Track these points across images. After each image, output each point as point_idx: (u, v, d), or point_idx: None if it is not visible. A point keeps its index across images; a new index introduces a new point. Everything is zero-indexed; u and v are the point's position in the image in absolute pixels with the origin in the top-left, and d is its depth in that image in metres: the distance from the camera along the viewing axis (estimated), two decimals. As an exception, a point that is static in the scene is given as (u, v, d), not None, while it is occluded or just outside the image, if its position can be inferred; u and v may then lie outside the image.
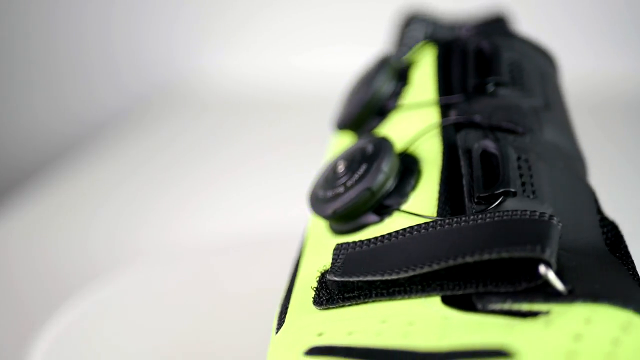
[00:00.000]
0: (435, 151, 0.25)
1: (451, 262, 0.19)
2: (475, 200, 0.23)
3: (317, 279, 0.22)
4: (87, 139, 0.73)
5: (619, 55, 0.70)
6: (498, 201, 0.22)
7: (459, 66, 0.28)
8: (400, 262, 0.20)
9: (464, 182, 0.23)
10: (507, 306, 0.19)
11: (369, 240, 0.22)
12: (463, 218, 0.21)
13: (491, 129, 0.25)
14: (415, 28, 0.36)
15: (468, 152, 0.24)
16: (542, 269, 0.19)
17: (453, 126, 0.26)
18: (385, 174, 0.24)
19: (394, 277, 0.20)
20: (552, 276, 0.19)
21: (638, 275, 0.21)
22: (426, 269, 0.20)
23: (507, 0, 0.46)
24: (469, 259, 0.19)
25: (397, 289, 0.20)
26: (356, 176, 0.25)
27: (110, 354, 0.33)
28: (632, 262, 0.22)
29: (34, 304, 0.40)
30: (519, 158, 0.24)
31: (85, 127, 0.79)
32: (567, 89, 0.31)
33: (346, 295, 0.21)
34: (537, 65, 0.29)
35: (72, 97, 0.83)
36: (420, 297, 0.20)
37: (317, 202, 0.26)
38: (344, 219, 0.25)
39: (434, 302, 0.20)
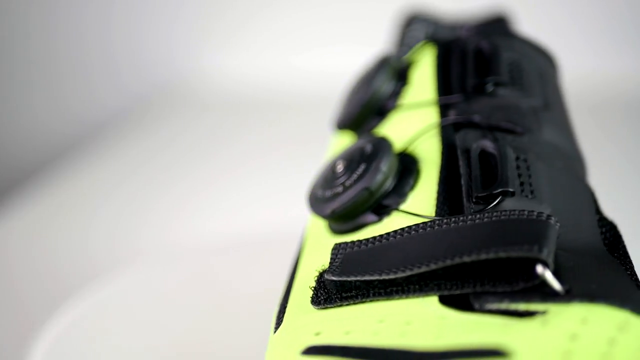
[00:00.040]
0: (434, 151, 0.25)
1: (448, 262, 0.19)
2: (474, 200, 0.23)
3: (316, 278, 0.22)
4: (87, 139, 0.73)
5: (619, 55, 0.70)
6: (496, 201, 0.22)
7: (458, 66, 0.28)
8: (398, 261, 0.20)
9: (463, 182, 0.23)
10: (504, 306, 0.19)
11: (367, 240, 0.22)
12: (461, 218, 0.21)
13: (490, 129, 0.25)
14: (416, 28, 0.36)
15: (467, 152, 0.24)
16: (540, 268, 0.19)
17: (452, 126, 0.26)
18: (383, 173, 0.24)
19: (392, 276, 0.20)
20: (549, 276, 0.19)
21: (636, 275, 0.21)
22: (424, 269, 0.20)
23: (508, 0, 0.46)
24: (466, 259, 0.19)
25: (394, 288, 0.20)
26: (355, 176, 0.25)
27: (111, 354, 0.33)
28: (630, 262, 0.22)
29: (34, 304, 0.40)
30: (517, 158, 0.24)
31: (85, 127, 0.79)
32: (567, 89, 0.31)
33: (344, 294, 0.21)
34: (537, 65, 0.29)
35: (72, 97, 0.83)
36: (417, 296, 0.20)
37: (316, 202, 0.26)
38: (342, 219, 0.25)
39: (431, 302, 0.20)
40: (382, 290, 0.21)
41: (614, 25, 0.71)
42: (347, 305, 0.21)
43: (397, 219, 0.24)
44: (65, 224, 0.50)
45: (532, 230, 0.19)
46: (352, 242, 0.22)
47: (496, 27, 0.36)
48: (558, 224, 0.20)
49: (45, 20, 0.82)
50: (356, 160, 0.25)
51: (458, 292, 0.20)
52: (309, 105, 0.65)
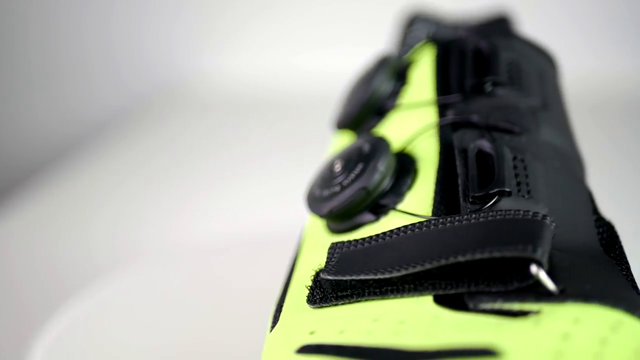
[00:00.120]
0: (432, 151, 0.25)
1: (443, 262, 0.19)
2: (470, 200, 0.23)
3: (312, 277, 0.23)
4: (87, 139, 0.73)
5: (619, 55, 0.70)
6: (492, 201, 0.22)
7: (457, 66, 0.28)
8: (393, 261, 0.21)
9: (459, 181, 0.23)
10: (498, 305, 0.19)
11: (363, 239, 0.22)
12: (456, 218, 0.21)
13: (488, 129, 0.25)
14: (418, 28, 0.36)
15: (464, 151, 0.24)
16: (534, 268, 0.19)
17: (450, 126, 0.26)
18: (381, 173, 0.24)
19: (387, 276, 0.20)
20: (543, 276, 0.19)
21: (632, 275, 0.21)
22: (418, 268, 0.20)
23: (508, 0, 0.46)
24: (460, 259, 0.19)
25: (389, 288, 0.20)
26: (352, 175, 0.25)
27: (111, 354, 0.33)
28: (626, 262, 0.22)
29: (34, 304, 0.40)
30: (514, 158, 0.24)
31: (85, 127, 0.79)
32: (567, 89, 0.31)
33: (339, 294, 0.21)
34: (536, 66, 0.29)
35: (72, 97, 0.83)
36: (412, 296, 0.20)
37: (314, 201, 0.26)
38: (340, 218, 0.25)
39: (426, 301, 0.20)
40: (377, 290, 0.21)
41: (614, 25, 0.71)
42: (343, 304, 0.21)
43: (394, 219, 0.24)
44: (65, 224, 0.50)
45: (527, 230, 0.19)
46: (349, 241, 0.22)
47: (496, 27, 0.36)
48: (553, 224, 0.20)
49: (45, 20, 0.82)
50: (354, 160, 0.25)
51: (453, 291, 0.20)
52: (309, 105, 0.65)
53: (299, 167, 0.39)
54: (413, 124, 0.27)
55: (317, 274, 0.22)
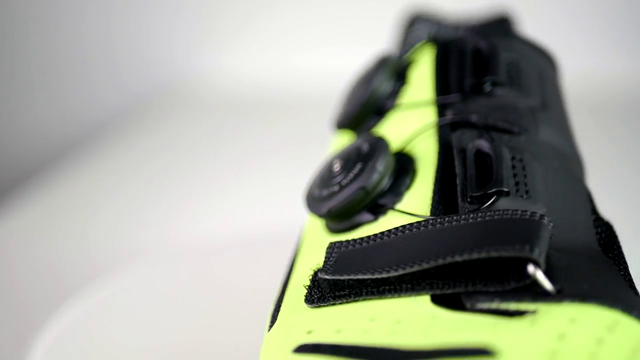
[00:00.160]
0: (431, 151, 0.25)
1: (440, 262, 0.19)
2: (468, 199, 0.23)
3: (310, 277, 0.23)
4: (87, 139, 0.73)
5: (619, 55, 0.70)
6: (490, 201, 0.22)
7: (456, 66, 0.28)
8: (391, 260, 0.21)
9: (458, 181, 0.23)
10: (495, 305, 0.19)
11: (361, 239, 0.22)
12: (454, 217, 0.21)
13: (487, 129, 0.25)
14: (419, 28, 0.36)
15: (462, 151, 0.24)
16: (531, 268, 0.19)
17: (449, 126, 0.26)
18: (380, 173, 0.24)
19: (384, 275, 0.20)
20: (540, 276, 0.19)
21: (630, 275, 0.21)
22: (416, 268, 0.20)
23: (508, 0, 0.46)
24: (458, 258, 0.19)
25: (387, 287, 0.20)
26: (351, 175, 0.25)
27: (111, 354, 0.33)
28: (624, 262, 0.22)
29: (34, 304, 0.40)
30: (513, 158, 0.24)
31: (85, 127, 0.79)
32: (567, 89, 0.31)
33: (337, 293, 0.21)
34: (536, 66, 0.29)
35: (72, 97, 0.83)
36: (409, 295, 0.20)
37: (313, 201, 0.26)
38: (339, 218, 0.25)
39: (423, 301, 0.20)
40: (374, 289, 0.21)
41: (614, 25, 0.71)
42: (340, 304, 0.21)
43: (393, 219, 0.24)
44: (65, 224, 0.50)
45: (524, 230, 0.19)
46: (347, 241, 0.22)
47: (496, 27, 0.36)
48: (551, 224, 0.20)
49: (45, 20, 0.82)
50: (353, 160, 0.25)
51: (450, 291, 0.20)
52: (309, 105, 0.65)
53: (298, 167, 0.39)
54: (412, 124, 0.27)
55: (315, 273, 0.23)
